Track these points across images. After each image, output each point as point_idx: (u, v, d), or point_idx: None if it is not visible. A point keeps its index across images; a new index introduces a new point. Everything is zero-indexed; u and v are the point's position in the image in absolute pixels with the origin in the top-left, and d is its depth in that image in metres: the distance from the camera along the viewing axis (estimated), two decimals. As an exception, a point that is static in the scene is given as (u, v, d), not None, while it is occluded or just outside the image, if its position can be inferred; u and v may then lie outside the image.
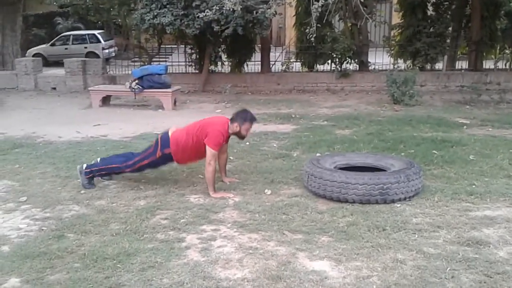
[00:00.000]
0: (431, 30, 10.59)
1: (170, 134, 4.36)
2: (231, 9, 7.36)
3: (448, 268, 2.78)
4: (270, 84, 11.62)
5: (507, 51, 12.08)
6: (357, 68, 11.57)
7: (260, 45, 12.05)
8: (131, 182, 4.50)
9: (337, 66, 11.26)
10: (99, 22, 17.91)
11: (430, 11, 10.94)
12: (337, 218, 3.59)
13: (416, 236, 3.25)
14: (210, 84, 11.54)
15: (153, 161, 4.36)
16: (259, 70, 12.20)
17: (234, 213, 3.72)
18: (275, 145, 6.04)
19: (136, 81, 8.87)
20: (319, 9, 7.52)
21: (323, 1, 7.19)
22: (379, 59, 11.71)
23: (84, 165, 4.46)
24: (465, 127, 6.93)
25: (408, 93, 8.82)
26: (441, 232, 3.30)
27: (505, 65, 11.85)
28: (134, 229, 3.39)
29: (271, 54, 12.78)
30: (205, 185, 4.34)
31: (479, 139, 6.02)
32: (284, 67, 12.37)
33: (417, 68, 10.33)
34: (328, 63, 11.66)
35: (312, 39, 7.79)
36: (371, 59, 11.62)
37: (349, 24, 10.77)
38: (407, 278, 2.68)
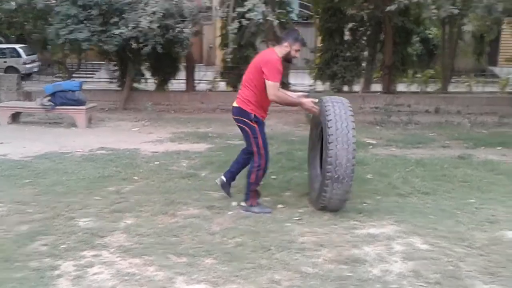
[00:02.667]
0: (348, 54, 11.08)
1: (237, 105, 4.19)
2: (148, 27, 7.33)
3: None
4: (194, 103, 11.59)
5: (418, 75, 12.90)
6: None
7: (185, 64, 12.04)
8: (19, 205, 4.26)
9: (260, 86, 11.44)
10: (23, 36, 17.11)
11: (347, 36, 11.46)
12: (227, 239, 3.59)
13: (299, 255, 3.31)
14: (132, 102, 11.31)
15: (259, 133, 4.15)
16: (185, 89, 12.16)
17: (121, 237, 3.61)
18: (184, 164, 5.98)
19: (49, 97, 8.51)
20: (235, 31, 7.69)
21: (238, 24, 7.35)
22: (302, 80, 12.09)
23: (242, 203, 4.27)
24: (371, 146, 7.26)
25: (324, 114, 9.09)
26: (323, 251, 3.39)
27: (417, 88, 12.62)
28: (6, 257, 3.19)
29: (201, 73, 12.80)
30: (99, 207, 4.21)
31: (380, 159, 6.32)
32: (210, 86, 12.43)
33: (332, 90, 10.75)
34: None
35: (228, 59, 7.84)
36: (293, 80, 11.94)
37: (272, 47, 11.02)
38: (277, 299, 2.72)
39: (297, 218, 4.04)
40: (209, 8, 9.16)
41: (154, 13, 7.36)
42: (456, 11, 7.08)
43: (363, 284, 2.90)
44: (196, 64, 12.88)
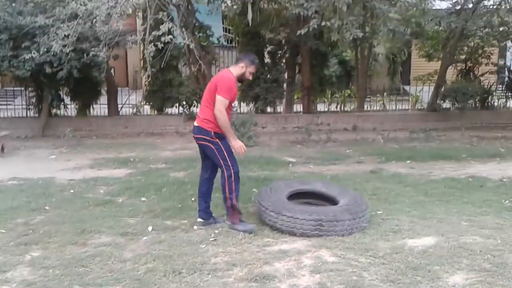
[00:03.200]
0: (268, 76, 11.41)
1: (197, 124, 4.30)
2: (60, 51, 7.12)
3: (227, 307, 2.89)
4: (118, 128, 11.33)
5: (337, 95, 13.53)
6: (205, 111, 11.89)
7: (106, 88, 11.77)
8: None
9: (185, 110, 11.46)
10: None
11: (267, 59, 11.82)
12: (138, 265, 3.53)
13: (210, 276, 3.33)
14: (51, 129, 10.83)
15: (223, 148, 4.21)
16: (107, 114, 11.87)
17: (25, 271, 3.43)
18: (101, 191, 5.82)
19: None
20: (152, 54, 7.68)
21: (154, 47, 7.34)
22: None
23: (227, 221, 4.32)
24: (291, 165, 7.49)
25: (246, 135, 9.27)
26: (234, 270, 3.44)
27: (336, 107, 13.22)
28: None
29: (125, 97, 12.53)
30: (4, 241, 3.99)
31: (298, 176, 6.54)
32: (134, 110, 12.21)
33: (253, 111, 11.01)
34: (176, 106, 11.79)
35: (146, 83, 7.80)
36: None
37: (194, 70, 11.11)
38: (183, 322, 2.71)
39: (212, 239, 4.06)
40: (130, 31, 9.04)
41: (67, 36, 7.15)
42: (361, 34, 7.56)
43: (270, 300, 2.98)
44: (120, 88, 12.63)
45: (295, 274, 3.37)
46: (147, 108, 12.46)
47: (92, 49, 7.69)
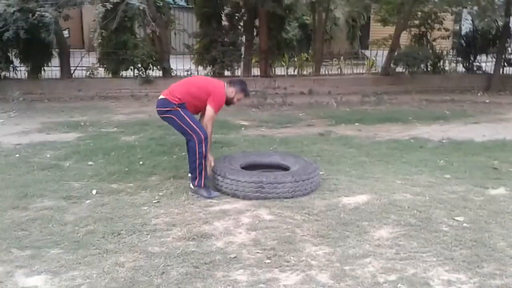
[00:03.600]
0: (226, 39, 11.30)
1: (163, 96, 4.36)
2: (4, 11, 6.82)
3: (162, 265, 3.00)
4: (71, 91, 11.04)
5: (295, 59, 13.57)
6: (161, 75, 11.74)
7: (57, 50, 11.37)
8: None
9: (140, 73, 11.26)
10: None
11: (225, 21, 11.66)
12: (78, 228, 3.58)
13: (148, 237, 3.43)
14: (1, 92, 10.44)
15: (184, 113, 4.27)
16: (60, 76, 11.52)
17: (-38, 235, 3.44)
18: (48, 155, 5.74)
19: None
20: (101, 15, 7.46)
21: (104, 6, 7.13)
22: (184, 65, 12.07)
23: (190, 185, 4.31)
24: (243, 128, 7.57)
25: (201, 98, 9.24)
26: (174, 230, 3.55)
27: (294, 71, 13.29)
28: None
29: (79, 60, 12.15)
30: None
31: (248, 139, 6.65)
32: (88, 72, 11.89)
33: (206, 74, 10.97)
34: (131, 69, 11.56)
35: (95, 44, 7.59)
36: (175, 65, 11.89)
37: (149, 32, 10.87)
38: (117, 281, 2.80)
39: (155, 201, 4.14)
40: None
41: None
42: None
43: (204, 257, 3.11)
44: (75, 49, 12.23)
45: (232, 232, 3.52)
46: (102, 71, 12.17)
47: (38, 9, 7.37)
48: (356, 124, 7.90)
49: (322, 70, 13.51)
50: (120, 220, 3.71)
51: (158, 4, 11.02)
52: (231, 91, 4.45)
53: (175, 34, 11.75)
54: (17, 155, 5.71)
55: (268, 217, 3.79)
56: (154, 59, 11.11)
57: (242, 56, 11.90)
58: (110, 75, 11.83)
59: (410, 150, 5.99)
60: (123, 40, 11.10)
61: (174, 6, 12.54)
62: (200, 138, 4.26)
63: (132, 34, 11.31)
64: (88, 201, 4.17)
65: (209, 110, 4.32)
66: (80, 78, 11.63)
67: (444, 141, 6.55)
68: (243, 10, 11.57)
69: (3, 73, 10.86)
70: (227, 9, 11.17)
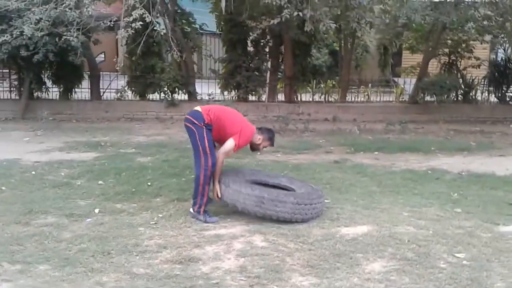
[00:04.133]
0: (250, 65, 11.43)
1: (199, 109, 4.37)
2: (32, 34, 7.18)
3: (143, 287, 2.98)
4: (98, 112, 11.40)
5: (322, 85, 13.53)
6: (187, 98, 11.96)
7: (88, 72, 11.82)
8: None
9: (166, 96, 11.51)
10: None
11: (250, 47, 11.82)
12: (72, 245, 3.63)
13: (137, 258, 3.43)
14: (32, 111, 10.86)
15: (204, 134, 4.27)
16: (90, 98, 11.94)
17: (-40, 247, 3.54)
18: (63, 173, 5.90)
19: None
20: (124, 40, 7.71)
21: (127, 32, 7.37)
22: (209, 89, 12.26)
23: (191, 209, 4.32)
24: (259, 153, 7.54)
25: (222, 122, 9.32)
26: (164, 252, 3.54)
27: (320, 97, 13.24)
28: None
29: (110, 82, 12.57)
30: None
31: (261, 164, 6.62)
32: (118, 95, 12.26)
33: (230, 99, 11.09)
34: (158, 92, 11.84)
35: (118, 68, 7.84)
36: (201, 89, 12.09)
37: (175, 56, 11.14)
38: (93, 300, 2.81)
39: (153, 223, 4.16)
40: (111, 16, 9.03)
41: (38, 20, 7.20)
42: (334, 25, 7.58)
43: (186, 281, 3.07)
44: (110, 72, 12.60)
45: (221, 257, 3.47)
46: (130, 94, 12.51)
47: (65, 33, 7.72)
48: (376, 152, 7.74)
49: (349, 97, 13.41)
50: (114, 240, 3.74)
51: (185, 29, 11.32)
52: (258, 138, 4.51)
53: (201, 59, 11.97)
54: (33, 172, 5.89)
55: (261, 243, 3.73)
56: (180, 83, 11.34)
57: (267, 81, 11.98)
58: (138, 97, 12.17)
59: (424, 181, 5.79)
60: (151, 64, 11.42)
61: (202, 32, 12.80)
62: (207, 163, 4.26)
63: (160, 59, 11.61)
64: (88, 220, 4.23)
65: (230, 143, 4.29)
66: (108, 100, 12.00)
67: (463, 173, 6.29)
68: (268, 37, 11.70)
69: (36, 93, 11.36)
70: (252, 36, 11.32)
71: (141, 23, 7.03)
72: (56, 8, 7.16)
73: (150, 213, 4.43)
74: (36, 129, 9.38)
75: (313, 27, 7.76)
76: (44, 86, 11.46)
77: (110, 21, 8.18)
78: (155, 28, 7.33)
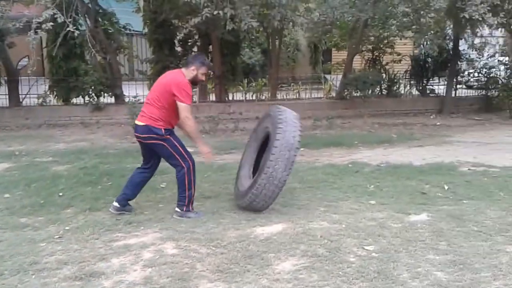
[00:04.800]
0: (179, 65, 11.20)
1: (142, 123, 4.18)
2: None
3: (33, 308, 2.76)
4: (18, 119, 10.72)
5: (253, 84, 13.54)
6: (114, 101, 11.53)
7: (5, 77, 11.08)
8: None
9: (91, 99, 11.03)
10: None
11: (177, 47, 11.60)
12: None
13: (33, 277, 3.17)
14: None
15: (175, 141, 4.19)
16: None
17: None
18: (-34, 188, 5.45)
19: None
20: (36, 41, 7.27)
21: (36, 33, 6.94)
22: (138, 91, 11.89)
23: (177, 208, 4.28)
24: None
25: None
26: (64, 269, 3.29)
27: (252, 96, 13.24)
28: None
29: (30, 87, 11.83)
30: None
31: (185, 167, 6.45)
32: (40, 100, 11.59)
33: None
34: (82, 96, 11.31)
35: (29, 72, 7.39)
36: (129, 92, 11.69)
37: (99, 58, 10.69)
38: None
39: (58, 237, 3.89)
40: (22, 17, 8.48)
41: None
42: (256, 24, 7.56)
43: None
44: (35, 77, 11.82)
45: (127, 270, 3.29)
46: (53, 98, 11.87)
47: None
48: (302, 149, 7.77)
49: (280, 95, 13.51)
50: (11, 259, 3.44)
51: (109, 30, 10.90)
52: (192, 70, 4.24)
53: (127, 60, 11.58)
54: None
55: (172, 251, 3.58)
56: (105, 85, 10.92)
57: (197, 82, 11.80)
58: (61, 102, 11.57)
59: (344, 175, 5.89)
60: (73, 67, 10.91)
61: (129, 32, 12.40)
62: (189, 165, 4.24)
63: (82, 61, 11.13)
64: (-12, 237, 3.90)
65: (181, 106, 4.10)
66: (28, 106, 11.33)
67: (382, 165, 6.47)
68: (196, 37, 11.53)
69: None
70: (179, 35, 11.09)
71: (51, 24, 6.62)
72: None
73: (56, 226, 4.15)
74: None
75: (235, 26, 7.68)
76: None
77: (20, 22, 7.67)
78: (68, 28, 6.93)
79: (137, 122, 4.31)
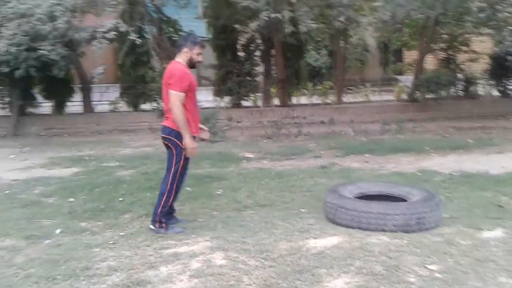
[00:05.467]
0: (242, 70, 11.23)
1: (165, 124, 4.04)
2: (6, 51, 7.06)
3: (78, 316, 2.76)
4: (90, 125, 11.31)
5: (319, 87, 13.27)
6: (180, 106, 11.79)
7: (80, 85, 11.74)
8: None
9: (158, 106, 11.35)
10: None
11: (240, 52, 11.63)
12: (21, 271, 3.40)
13: (84, 283, 3.20)
14: (25, 127, 10.83)
15: (183, 158, 4.05)
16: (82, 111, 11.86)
17: None
18: (37, 191, 5.74)
19: None
20: (102, 49, 7.55)
21: (100, 43, 7.21)
22: (203, 97, 12.08)
23: (150, 225, 4.11)
24: (245, 161, 7.31)
25: (212, 130, 9.10)
26: (113, 275, 3.29)
27: (317, 100, 12.97)
28: None
29: (102, 94, 12.49)
30: None
31: (244, 173, 6.37)
32: (112, 107, 12.16)
33: (222, 106, 10.88)
34: (150, 102, 11.69)
35: (96, 79, 7.69)
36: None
37: (165, 65, 10.97)
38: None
39: (112, 242, 3.93)
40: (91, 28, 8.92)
41: (13, 36, 7.09)
42: (314, 25, 7.33)
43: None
44: (109, 84, 12.48)
45: (173, 280, 3.22)
46: (124, 105, 12.40)
47: (42, 47, 7.59)
48: (366, 155, 7.45)
49: (347, 98, 13.13)
50: (65, 263, 3.51)
51: (173, 37, 11.17)
52: (185, 53, 3.99)
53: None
54: (7, 192, 5.74)
55: (220, 261, 3.47)
56: (171, 92, 11.18)
57: (260, 86, 11.77)
58: (131, 109, 12.04)
59: (412, 184, 5.48)
60: (141, 74, 11.32)
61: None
62: (172, 187, 4.10)
63: (150, 68, 11.50)
64: (47, 241, 4.03)
65: (170, 93, 3.88)
66: (100, 113, 11.91)
67: (455, 173, 5.98)
68: (258, 41, 11.49)
69: (28, 109, 11.30)
70: (242, 40, 11.12)
71: (114, 33, 6.86)
72: (29, 22, 7.02)
73: (112, 232, 4.21)
74: (25, 146, 9.29)
75: (294, 28, 7.50)
76: (35, 102, 11.41)
77: (90, 32, 8.05)
78: (129, 37, 7.13)
79: (163, 123, 4.17)
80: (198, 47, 4.04)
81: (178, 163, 4.08)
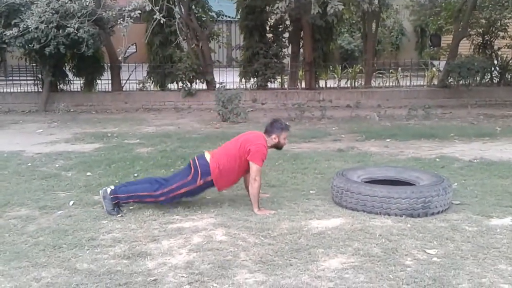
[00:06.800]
0: (269, 51, 11.14)
1: (208, 160, 4.12)
2: (36, 28, 7.26)
3: (75, 283, 2.85)
4: (118, 103, 11.55)
5: (349, 70, 13.03)
6: (205, 87, 11.86)
7: (109, 64, 11.97)
8: None
9: (184, 85, 11.47)
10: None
11: (269, 33, 11.53)
12: (31, 239, 3.56)
13: (88, 252, 3.31)
14: (55, 103, 11.16)
15: (192, 190, 4.13)
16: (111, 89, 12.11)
17: None
18: (57, 165, 5.94)
19: None
20: (127, 28, 7.65)
21: (127, 21, 7.30)
22: (228, 78, 12.10)
23: (109, 190, 4.08)
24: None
25: (234, 111, 9.15)
26: (116, 246, 3.40)
27: (346, 83, 12.76)
28: None
29: (130, 73, 12.69)
30: None
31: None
32: (139, 85, 12.36)
33: (244, 87, 10.85)
34: (176, 82, 11.82)
35: (120, 58, 7.82)
36: (219, 78, 11.94)
37: (192, 45, 11.04)
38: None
39: (120, 215, 4.04)
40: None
41: (43, 13, 7.27)
42: (341, 7, 7.17)
43: (123, 278, 2.91)
44: (142, 63, 12.65)
45: (173, 253, 3.30)
46: (151, 84, 12.57)
47: (71, 25, 7.76)
48: (388, 140, 7.31)
49: (377, 82, 12.86)
50: (72, 234, 3.65)
51: (202, 17, 11.19)
52: (273, 139, 4.21)
53: (219, 47, 11.82)
54: (29, 164, 5.96)
55: (220, 237, 3.53)
56: (197, 72, 11.26)
57: (287, 68, 11.67)
58: (158, 88, 12.21)
59: (427, 170, 5.35)
60: (169, 54, 11.42)
61: (219, 20, 12.60)
62: (159, 196, 4.09)
63: (178, 48, 11.58)
64: (59, 212, 4.18)
65: (253, 166, 4.04)
66: (127, 91, 12.12)
67: (475, 161, 5.80)
68: (287, 22, 11.35)
69: (59, 86, 11.64)
70: (271, 21, 11.02)
71: (139, 12, 6.93)
72: (58, 0, 7.18)
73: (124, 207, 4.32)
74: (53, 121, 9.60)
75: (320, 9, 7.37)
76: (66, 79, 11.73)
77: (119, 11, 8.17)
78: (155, 16, 7.19)
79: (206, 154, 4.22)
80: (285, 133, 4.26)
81: (183, 188, 4.11)
